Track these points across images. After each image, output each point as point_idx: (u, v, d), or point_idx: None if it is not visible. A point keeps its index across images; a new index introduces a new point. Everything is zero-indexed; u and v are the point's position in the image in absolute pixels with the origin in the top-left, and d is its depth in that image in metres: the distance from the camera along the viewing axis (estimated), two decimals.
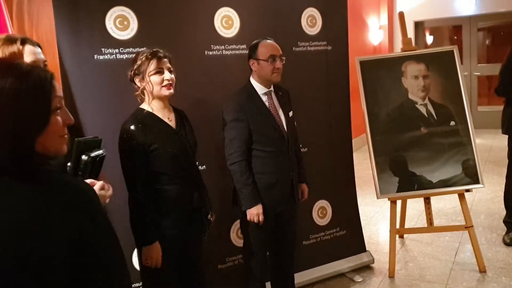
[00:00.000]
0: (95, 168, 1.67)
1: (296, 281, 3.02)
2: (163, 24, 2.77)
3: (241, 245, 2.85)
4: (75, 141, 1.64)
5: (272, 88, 2.68)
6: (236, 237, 3.13)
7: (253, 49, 2.62)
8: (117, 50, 2.64)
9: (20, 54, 1.68)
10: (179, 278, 2.31)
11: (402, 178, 3.44)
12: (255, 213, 2.56)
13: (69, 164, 1.65)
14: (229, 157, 2.59)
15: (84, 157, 1.62)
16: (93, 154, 1.65)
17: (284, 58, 2.62)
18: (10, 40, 1.67)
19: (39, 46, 1.76)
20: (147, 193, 2.15)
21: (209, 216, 2.41)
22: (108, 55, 2.63)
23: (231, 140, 2.58)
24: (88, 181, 1.65)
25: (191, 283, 2.39)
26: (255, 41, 2.64)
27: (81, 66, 2.57)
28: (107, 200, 1.73)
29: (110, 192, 1.74)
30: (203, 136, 2.54)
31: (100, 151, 1.69)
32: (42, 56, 1.75)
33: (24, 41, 1.70)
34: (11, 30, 2.50)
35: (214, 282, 2.96)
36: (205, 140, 2.63)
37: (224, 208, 2.83)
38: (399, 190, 3.44)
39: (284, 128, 2.67)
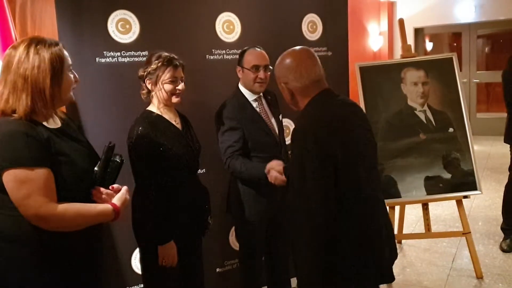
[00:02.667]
0: (118, 172, 1.74)
1: (293, 286, 3.03)
2: (164, 28, 2.79)
3: None
4: (107, 146, 1.69)
5: (261, 94, 2.68)
6: (235, 241, 3.13)
7: (240, 56, 2.64)
8: (118, 53, 2.66)
9: (64, 57, 1.64)
10: (179, 280, 2.31)
11: (400, 184, 3.46)
12: (274, 172, 2.44)
13: (96, 168, 1.69)
14: (225, 163, 2.58)
15: (111, 162, 1.70)
16: (118, 159, 1.72)
17: (271, 68, 2.58)
18: (51, 43, 1.62)
19: None
20: (159, 193, 2.17)
21: (209, 218, 2.42)
22: (110, 58, 2.64)
23: (226, 148, 2.58)
24: (115, 186, 1.71)
25: (191, 285, 2.40)
26: (244, 48, 2.65)
27: (82, 69, 2.56)
28: None
29: None
30: (203, 140, 2.55)
31: (120, 156, 1.74)
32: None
33: (59, 44, 1.66)
34: (13, 33, 2.51)
35: (212, 285, 2.97)
36: (205, 143, 2.64)
37: (223, 211, 2.84)
38: (398, 195, 3.45)
39: (276, 133, 2.68)
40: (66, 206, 1.54)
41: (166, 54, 2.22)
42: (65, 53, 1.64)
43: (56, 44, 1.62)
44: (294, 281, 3.09)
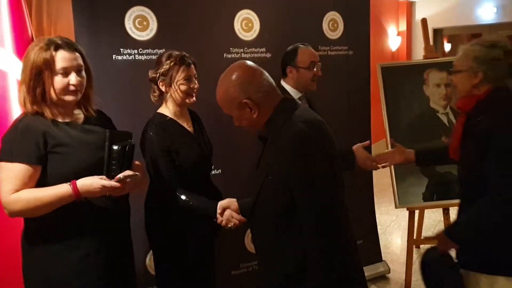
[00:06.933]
0: (126, 158, 1.74)
1: None
2: (182, 25, 2.74)
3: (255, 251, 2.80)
4: (106, 132, 1.73)
5: (304, 93, 2.65)
6: (250, 243, 3.07)
7: (290, 56, 2.57)
8: (136, 51, 2.62)
9: (52, 60, 1.68)
10: (192, 282, 2.27)
11: (421, 188, 3.37)
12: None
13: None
14: None
15: (115, 147, 1.71)
16: (122, 144, 1.73)
17: (320, 63, 2.59)
18: (48, 45, 1.69)
19: (77, 50, 1.76)
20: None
21: None
22: (127, 56, 2.60)
23: None
24: (120, 175, 1.71)
25: (204, 286, 2.35)
26: (292, 47, 2.60)
27: (99, 66, 2.53)
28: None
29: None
30: (219, 140, 2.49)
31: (130, 141, 1.78)
32: (76, 62, 1.73)
33: (58, 47, 1.70)
34: (30, 29, 2.49)
35: (227, 287, 2.92)
36: (221, 144, 2.59)
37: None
38: (418, 200, 3.36)
39: None
40: (22, 192, 1.64)
41: (177, 52, 2.14)
42: (59, 56, 1.69)
43: (48, 48, 1.68)
44: None
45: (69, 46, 1.72)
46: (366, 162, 2.44)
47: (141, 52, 2.62)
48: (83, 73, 1.77)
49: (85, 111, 1.84)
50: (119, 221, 1.87)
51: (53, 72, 1.69)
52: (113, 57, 2.57)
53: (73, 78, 1.71)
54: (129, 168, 1.75)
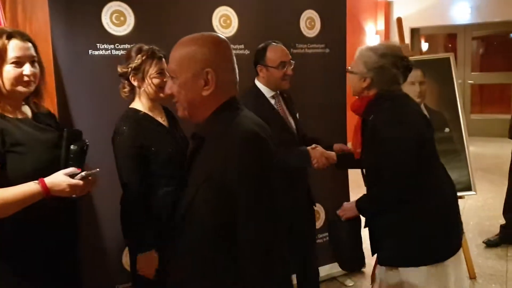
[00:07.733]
0: (82, 158, 1.72)
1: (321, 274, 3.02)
2: (160, 21, 2.74)
3: None
4: (64, 130, 1.72)
5: (278, 91, 2.61)
6: None
7: (260, 54, 2.52)
8: (112, 46, 2.61)
9: (4, 49, 1.63)
10: (167, 277, 2.26)
11: None
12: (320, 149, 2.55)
13: None
14: None
15: (73, 146, 1.70)
16: (79, 144, 1.72)
17: (293, 62, 2.54)
18: None
19: (31, 42, 1.71)
20: (145, 197, 2.07)
21: None
22: (103, 51, 2.59)
23: None
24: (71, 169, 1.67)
25: None
26: (262, 45, 2.54)
27: (75, 61, 2.53)
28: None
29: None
30: None
31: (85, 140, 1.76)
32: (29, 52, 1.68)
33: (10, 36, 1.65)
34: (3, 23, 2.45)
35: None
36: None
37: None
38: None
39: (294, 130, 2.61)
40: None
41: (147, 46, 2.11)
42: (12, 45, 1.64)
43: (1, 35, 1.63)
44: (322, 270, 3.12)
45: (22, 35, 1.68)
46: (321, 159, 2.49)
47: (117, 48, 2.61)
48: (36, 65, 1.72)
49: (35, 107, 1.78)
50: (65, 219, 1.80)
51: (4, 61, 1.63)
52: (89, 52, 2.55)
53: (27, 68, 1.66)
54: (83, 168, 1.71)
